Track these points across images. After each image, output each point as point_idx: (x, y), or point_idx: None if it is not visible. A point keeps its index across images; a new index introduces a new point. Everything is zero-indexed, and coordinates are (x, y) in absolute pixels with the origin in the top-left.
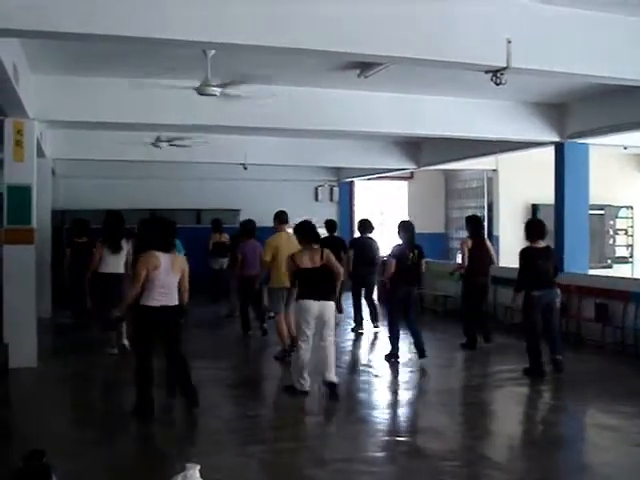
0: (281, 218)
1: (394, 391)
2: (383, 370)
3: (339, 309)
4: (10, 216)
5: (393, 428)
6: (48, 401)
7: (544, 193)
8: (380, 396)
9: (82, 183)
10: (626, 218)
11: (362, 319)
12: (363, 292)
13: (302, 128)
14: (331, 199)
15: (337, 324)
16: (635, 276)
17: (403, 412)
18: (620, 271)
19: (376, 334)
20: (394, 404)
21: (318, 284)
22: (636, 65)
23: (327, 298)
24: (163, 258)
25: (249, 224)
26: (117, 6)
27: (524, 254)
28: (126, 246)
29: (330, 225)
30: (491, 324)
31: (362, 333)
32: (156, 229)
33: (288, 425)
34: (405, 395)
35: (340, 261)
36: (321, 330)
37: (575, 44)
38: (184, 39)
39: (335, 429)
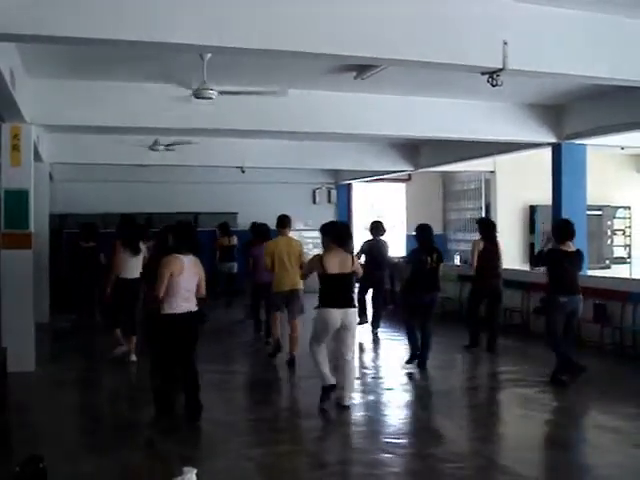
0: (281, 222)
1: (393, 392)
2: (382, 371)
3: None
4: (8, 220)
5: (393, 430)
6: (46, 406)
7: (542, 194)
8: (379, 398)
9: (80, 187)
10: (624, 218)
11: (365, 314)
12: (371, 293)
13: (299, 131)
14: (329, 201)
15: None
16: (633, 276)
17: (403, 414)
18: (618, 271)
19: (376, 334)
20: (394, 406)
21: (344, 292)
22: (632, 65)
23: (350, 305)
24: (186, 261)
25: (261, 227)
26: (114, 10)
27: (551, 256)
28: (144, 247)
29: (375, 227)
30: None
31: (363, 323)
32: (177, 231)
33: (287, 428)
34: (405, 397)
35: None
36: (343, 341)
37: (571, 45)
38: (181, 43)
39: (334, 432)
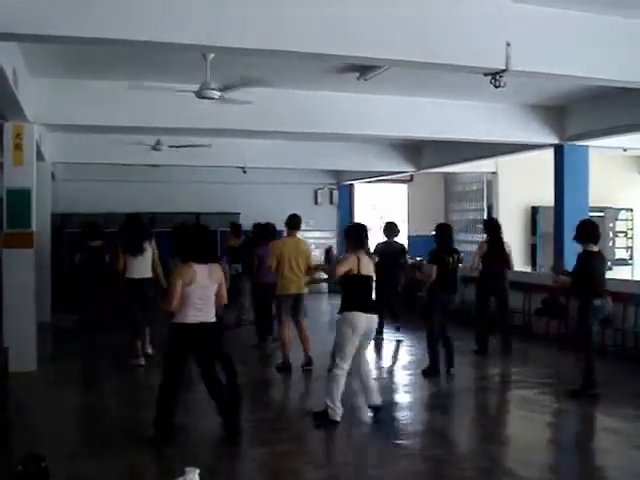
0: (292, 222)
1: (396, 394)
2: (384, 373)
3: None
4: (10, 220)
5: (395, 431)
6: (47, 405)
7: (544, 196)
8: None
9: (82, 186)
10: (626, 220)
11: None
12: (385, 296)
13: (302, 131)
14: (331, 202)
15: None
16: (635, 278)
17: (406, 415)
18: (620, 273)
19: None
20: (396, 407)
21: (370, 295)
22: (635, 67)
23: (376, 311)
24: (200, 270)
25: (267, 227)
26: (116, 10)
27: (585, 258)
28: (150, 247)
29: (389, 228)
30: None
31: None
32: (190, 237)
33: (288, 428)
34: (406, 398)
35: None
36: (362, 349)
37: (574, 46)
38: (183, 42)
39: (335, 432)
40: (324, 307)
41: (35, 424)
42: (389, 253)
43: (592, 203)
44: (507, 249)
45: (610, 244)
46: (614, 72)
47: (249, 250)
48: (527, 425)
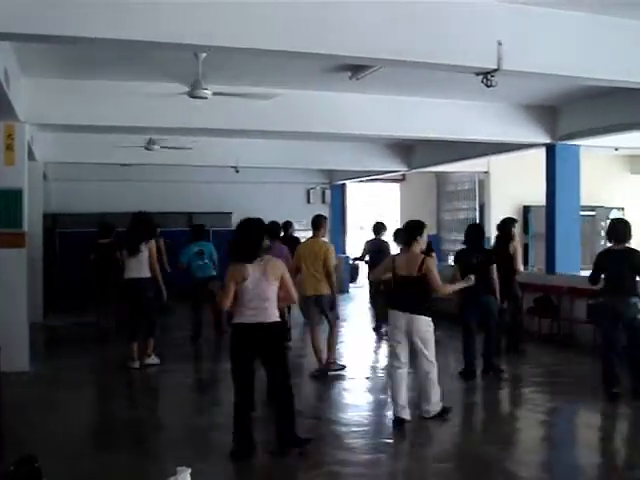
0: (314, 224)
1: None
2: (379, 371)
3: None
4: (1, 220)
5: (387, 430)
6: (40, 405)
7: (536, 195)
8: (374, 398)
9: (74, 186)
10: None
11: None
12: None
13: (294, 130)
14: (323, 201)
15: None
16: None
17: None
18: None
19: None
20: (389, 406)
21: (404, 293)
22: (626, 66)
23: (413, 311)
24: (251, 268)
25: (272, 226)
26: (108, 9)
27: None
28: (145, 248)
29: (377, 228)
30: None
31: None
32: (238, 235)
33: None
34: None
35: None
36: (415, 349)
37: (566, 46)
38: (176, 42)
39: (327, 431)
40: None
41: (28, 424)
42: (380, 251)
43: (583, 202)
44: (511, 250)
45: (602, 243)
46: (606, 72)
47: None
48: (519, 423)
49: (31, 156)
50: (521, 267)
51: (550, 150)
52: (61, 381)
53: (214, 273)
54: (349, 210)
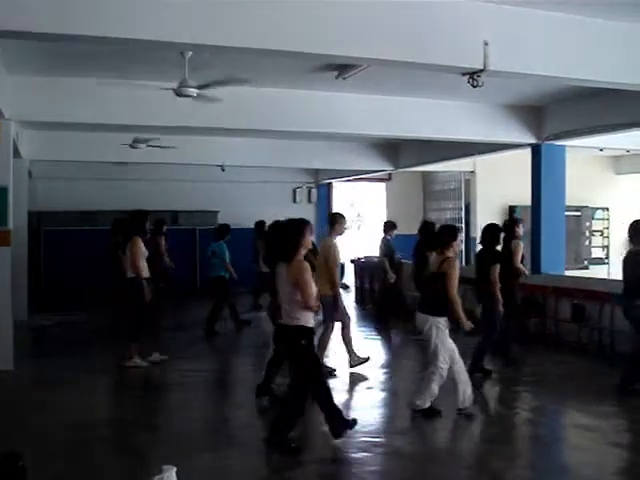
0: (329, 221)
1: (372, 391)
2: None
3: None
4: None
5: (372, 429)
6: (25, 404)
7: (521, 194)
8: (358, 397)
9: (59, 184)
10: (602, 219)
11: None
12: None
13: (280, 129)
14: (309, 201)
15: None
16: (611, 277)
17: (383, 413)
18: (596, 272)
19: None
20: (373, 405)
21: (424, 294)
22: (612, 67)
23: (424, 311)
24: (279, 268)
25: (257, 225)
26: (94, 6)
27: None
28: (128, 248)
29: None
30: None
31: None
32: (277, 234)
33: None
34: (384, 396)
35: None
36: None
37: (552, 47)
38: (161, 40)
39: (314, 430)
40: None
41: (12, 423)
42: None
43: (569, 202)
44: (513, 245)
45: (586, 243)
46: (591, 72)
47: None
48: (505, 422)
49: (16, 153)
50: (518, 265)
51: (536, 150)
52: (46, 380)
53: (222, 273)
54: (335, 210)
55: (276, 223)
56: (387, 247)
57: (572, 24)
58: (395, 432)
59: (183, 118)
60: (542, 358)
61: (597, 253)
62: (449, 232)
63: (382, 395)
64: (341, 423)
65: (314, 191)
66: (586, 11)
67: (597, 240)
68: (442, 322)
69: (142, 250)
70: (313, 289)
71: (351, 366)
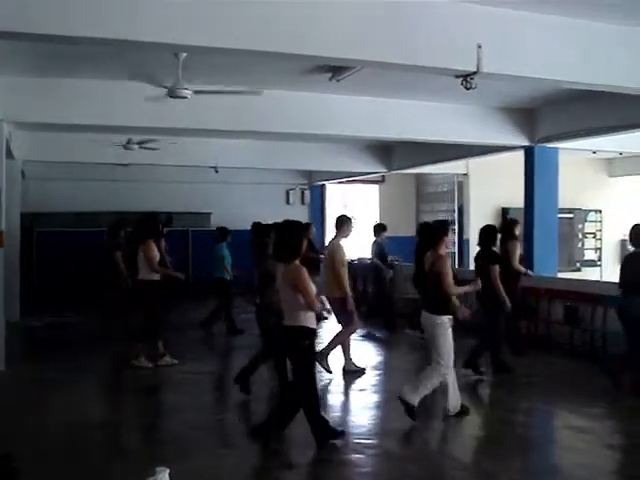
0: (335, 224)
1: (363, 394)
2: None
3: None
4: None
5: (362, 431)
6: (17, 405)
7: (514, 197)
8: (349, 399)
9: (52, 185)
10: (595, 222)
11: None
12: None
13: (273, 131)
14: (302, 202)
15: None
16: (603, 279)
17: (372, 415)
18: (589, 274)
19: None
20: (363, 407)
21: (426, 292)
22: (605, 70)
23: (428, 309)
24: (279, 269)
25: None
26: (88, 8)
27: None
28: (141, 250)
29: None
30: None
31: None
32: (276, 235)
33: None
34: (374, 398)
35: None
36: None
37: (544, 49)
38: (155, 41)
39: (305, 432)
40: None
41: (4, 423)
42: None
43: (562, 205)
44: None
45: (579, 245)
46: (584, 75)
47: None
48: (495, 423)
49: (9, 154)
50: (517, 265)
51: (529, 153)
52: (37, 381)
53: (221, 274)
54: (328, 211)
55: (256, 224)
56: (379, 249)
57: (565, 27)
58: (387, 434)
59: (177, 120)
60: (534, 360)
61: (590, 255)
62: (440, 227)
63: (375, 397)
64: (325, 434)
65: (307, 193)
66: (579, 14)
67: (590, 242)
68: (445, 321)
69: (155, 252)
70: (313, 291)
71: (344, 370)
